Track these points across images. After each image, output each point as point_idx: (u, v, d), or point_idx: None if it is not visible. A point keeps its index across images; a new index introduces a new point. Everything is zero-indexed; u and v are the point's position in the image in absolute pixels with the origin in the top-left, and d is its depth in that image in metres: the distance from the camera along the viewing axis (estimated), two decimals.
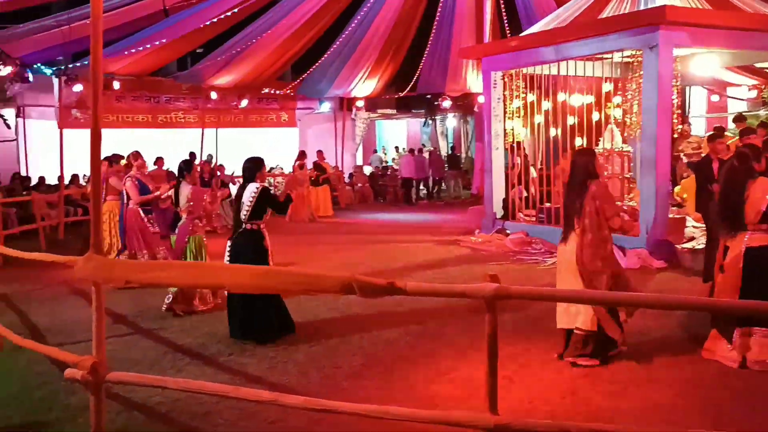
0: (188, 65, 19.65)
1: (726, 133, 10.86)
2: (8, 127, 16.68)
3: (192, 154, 16.42)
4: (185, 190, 7.22)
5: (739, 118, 11.71)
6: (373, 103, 22.74)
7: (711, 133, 9.78)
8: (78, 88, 14.89)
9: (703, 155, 8.91)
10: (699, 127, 17.15)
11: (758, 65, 13.66)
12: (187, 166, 7.38)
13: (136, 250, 8.77)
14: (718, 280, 5.43)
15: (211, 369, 5.46)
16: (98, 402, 3.79)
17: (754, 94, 15.87)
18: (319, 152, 17.93)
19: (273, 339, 6.07)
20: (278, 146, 21.23)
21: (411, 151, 21.46)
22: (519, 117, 12.23)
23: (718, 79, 15.30)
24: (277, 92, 20.54)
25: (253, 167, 6.37)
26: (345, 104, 21.42)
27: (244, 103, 20.04)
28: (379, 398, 4.68)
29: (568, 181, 5.55)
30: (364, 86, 19.85)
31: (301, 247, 11.59)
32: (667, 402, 4.57)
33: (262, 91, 20.11)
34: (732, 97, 18.09)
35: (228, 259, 6.27)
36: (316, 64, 18.66)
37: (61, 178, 14.08)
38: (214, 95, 18.89)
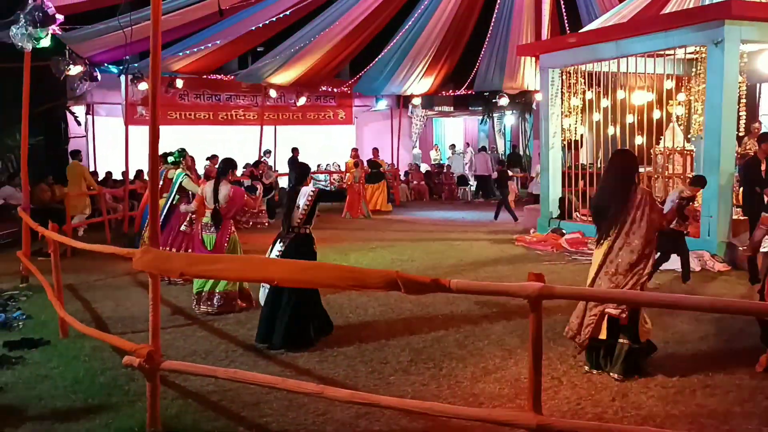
0: (248, 64, 20.03)
1: None
2: (78, 123, 17.41)
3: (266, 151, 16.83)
4: (224, 189, 7.27)
5: None
6: (429, 101, 22.73)
7: (764, 132, 9.44)
8: (143, 86, 15.40)
9: (751, 154, 8.62)
10: None
11: None
12: (227, 166, 7.46)
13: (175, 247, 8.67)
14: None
15: (263, 361, 5.59)
16: (154, 388, 3.95)
17: None
18: (375, 149, 18.18)
19: (308, 347, 5.91)
20: (335, 144, 21.48)
21: (483, 149, 22.14)
22: (577, 115, 12.02)
23: None
24: (335, 90, 20.73)
25: (305, 172, 6.46)
26: (401, 102, 21.47)
27: (302, 100, 20.33)
28: (425, 394, 4.71)
29: (606, 182, 5.39)
30: (421, 84, 19.84)
31: (354, 242, 11.69)
32: (723, 409, 4.44)
33: (320, 89, 20.35)
34: None
35: None
36: (373, 62, 18.76)
37: (126, 173, 14.59)
38: (273, 93, 19.26)
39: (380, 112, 22.61)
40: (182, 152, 8.93)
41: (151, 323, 3.98)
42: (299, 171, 6.56)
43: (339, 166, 20.18)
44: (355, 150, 17.23)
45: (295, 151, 17.33)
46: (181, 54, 15.53)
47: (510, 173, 14.60)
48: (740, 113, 9.87)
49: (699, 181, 8.08)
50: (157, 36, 3.96)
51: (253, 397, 4.68)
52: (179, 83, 17.91)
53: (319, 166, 19.80)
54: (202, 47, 15.35)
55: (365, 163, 17.03)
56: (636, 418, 4.32)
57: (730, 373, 5.06)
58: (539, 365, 3.20)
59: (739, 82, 9.69)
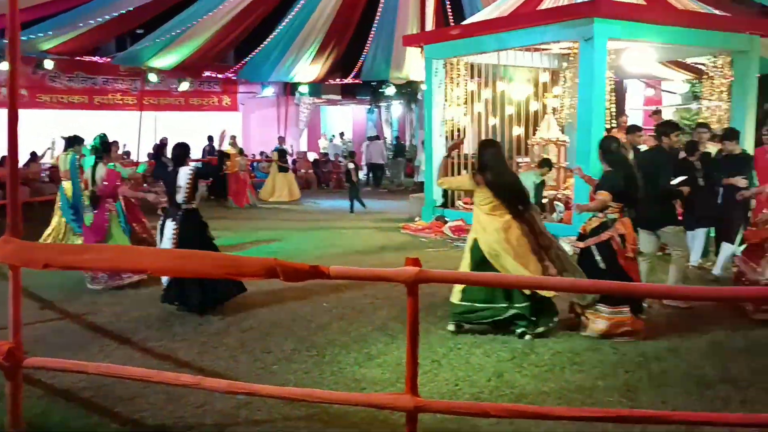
0: (127, 46, 19.11)
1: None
2: None
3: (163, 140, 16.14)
4: (100, 171, 7.47)
5: (656, 112, 12.20)
6: (317, 89, 22.62)
7: (631, 124, 10.15)
8: (4, 66, 14.33)
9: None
10: (636, 120, 17.63)
11: (689, 60, 14.12)
12: (104, 147, 7.64)
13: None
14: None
15: (139, 354, 5.38)
16: (15, 387, 3.70)
17: (686, 88, 16.40)
18: (281, 138, 18.41)
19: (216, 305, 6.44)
20: (220, 131, 20.93)
21: (376, 137, 22.37)
22: (459, 105, 12.35)
23: (652, 74, 15.76)
24: (219, 76, 20.20)
25: (184, 153, 6.70)
26: (288, 89, 21.24)
27: (185, 85, 19.66)
28: (308, 382, 4.71)
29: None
30: (308, 71, 19.71)
31: (239, 233, 11.47)
32: (589, 384, 4.72)
33: (203, 74, 19.76)
34: (666, 91, 18.68)
35: (174, 238, 6.45)
36: (259, 47, 18.42)
37: None
38: (153, 77, 18.47)
39: (267, 99, 22.25)
40: (104, 138, 8.16)
41: (12, 318, 3.72)
42: (179, 152, 6.73)
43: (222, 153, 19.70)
44: (233, 137, 16.82)
45: (163, 140, 16.46)
46: (51, 33, 14.58)
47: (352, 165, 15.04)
48: (609, 107, 10.53)
49: (546, 163, 8.70)
50: (14, 10, 3.69)
51: (129, 391, 4.50)
52: (49, 64, 16.81)
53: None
54: (76, 26, 14.48)
55: (275, 152, 16.90)
56: (510, 396, 4.51)
57: (595, 350, 5.38)
58: (416, 349, 3.27)
59: (608, 78, 10.30)
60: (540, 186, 8.23)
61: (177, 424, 4.11)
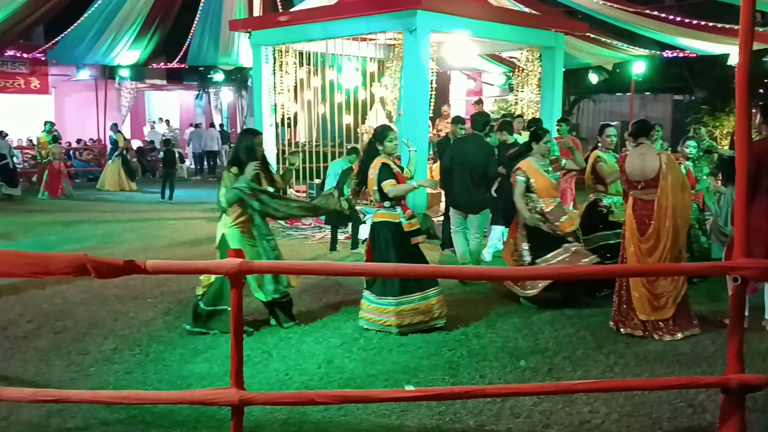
0: None
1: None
2: None
3: None
4: None
5: (478, 102, 12.98)
6: (140, 73, 21.35)
7: (456, 115, 10.66)
8: None
9: (443, 135, 9.70)
10: (459, 110, 18.56)
11: (505, 54, 15.08)
12: None
13: None
14: None
15: None
16: None
17: (504, 80, 17.50)
18: (114, 125, 17.14)
19: None
20: (30, 115, 19.17)
21: (212, 125, 21.99)
22: (290, 92, 12.27)
23: (473, 66, 16.65)
24: (25, 55, 18.43)
25: None
26: (108, 72, 19.89)
27: None
28: (130, 382, 4.47)
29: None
30: (130, 54, 18.55)
31: (52, 227, 10.62)
32: (414, 364, 4.90)
33: (5, 53, 17.94)
34: (486, 83, 19.85)
35: None
36: (72, 26, 17.00)
37: None
38: None
39: (84, 82, 20.67)
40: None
41: None
42: None
43: (32, 141, 18.10)
44: (51, 124, 15.55)
45: None
46: None
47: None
48: (432, 97, 10.98)
49: (354, 151, 9.10)
50: None
51: None
52: None
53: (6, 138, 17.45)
54: None
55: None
56: (339, 381, 4.57)
57: (422, 330, 5.60)
58: (240, 341, 3.21)
59: (431, 69, 10.72)
60: (347, 172, 8.56)
61: None
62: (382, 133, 5.72)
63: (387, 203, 5.62)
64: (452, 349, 5.19)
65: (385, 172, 5.57)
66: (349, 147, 10.19)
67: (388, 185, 5.53)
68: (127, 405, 3.66)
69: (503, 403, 4.12)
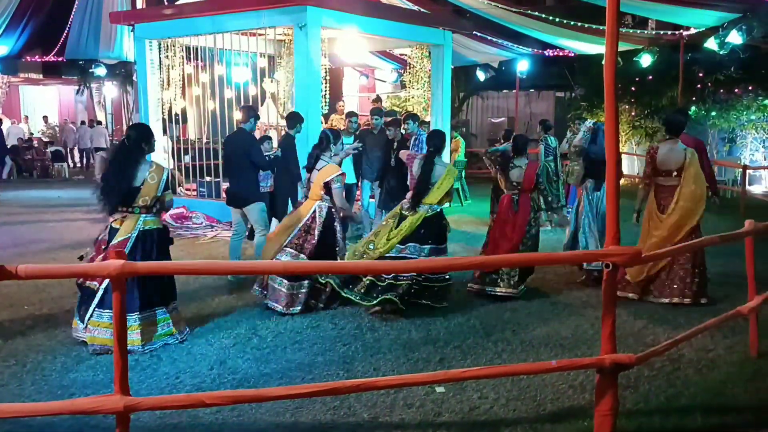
0: None
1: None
2: None
3: None
4: None
5: (377, 99, 13.14)
6: (13, 66, 20.02)
7: (350, 110, 10.77)
8: None
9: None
10: (352, 105, 18.64)
11: (396, 51, 15.29)
12: None
13: None
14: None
15: None
16: None
17: (396, 77, 17.73)
18: None
19: None
20: None
21: (99, 122, 21.48)
22: (177, 88, 11.89)
23: (365, 62, 16.77)
24: None
25: None
26: None
27: None
28: (4, 395, 4.20)
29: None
30: None
31: None
32: (308, 361, 4.90)
33: None
34: (378, 79, 20.03)
35: None
36: None
37: None
38: None
39: None
40: None
41: None
42: None
43: None
44: None
45: None
46: None
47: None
48: (325, 93, 10.96)
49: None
50: None
51: None
52: None
53: None
54: None
55: None
56: (232, 382, 4.50)
57: (315, 327, 5.60)
58: (124, 345, 3.09)
59: (323, 65, 10.69)
60: None
61: None
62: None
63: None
64: (346, 344, 5.22)
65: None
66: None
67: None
68: (1, 419, 3.44)
69: (396, 394, 4.20)
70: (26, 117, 23.14)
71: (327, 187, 6.11)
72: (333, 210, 6.20)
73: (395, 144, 8.91)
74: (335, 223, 6.21)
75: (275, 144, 9.00)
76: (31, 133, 21.97)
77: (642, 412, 4.07)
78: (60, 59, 18.47)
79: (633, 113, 16.88)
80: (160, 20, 11.47)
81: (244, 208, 7.19)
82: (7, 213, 12.03)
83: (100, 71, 18.63)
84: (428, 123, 11.37)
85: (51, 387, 4.38)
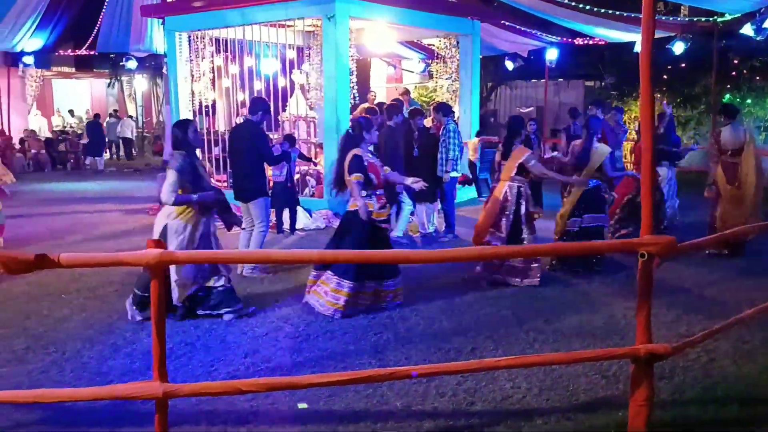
0: None
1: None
2: None
3: None
4: None
5: (405, 92, 13.07)
6: (46, 60, 20.35)
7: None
8: None
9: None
10: (381, 97, 18.62)
11: (424, 42, 15.22)
12: None
13: None
14: None
15: None
16: None
17: (423, 67, 17.67)
18: None
19: None
20: None
21: (117, 113, 21.86)
22: (207, 80, 12.00)
23: (393, 53, 16.72)
24: None
25: None
26: (10, 59, 18.84)
27: None
28: (45, 382, 4.30)
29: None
30: (33, 40, 17.64)
31: None
32: (341, 350, 4.94)
33: None
34: (405, 70, 19.98)
35: None
36: None
37: None
38: None
39: None
40: None
41: None
42: None
43: None
44: None
45: None
46: None
47: None
48: (353, 84, 10.97)
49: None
50: None
51: None
52: None
53: None
54: None
55: None
56: (266, 370, 4.55)
57: (346, 316, 5.63)
58: (163, 332, 3.15)
59: (351, 56, 10.70)
60: None
61: None
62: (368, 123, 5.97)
63: (363, 192, 5.75)
64: (378, 334, 5.25)
65: (356, 164, 5.73)
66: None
67: (354, 179, 5.71)
68: (44, 405, 3.54)
69: (429, 383, 4.21)
70: (58, 110, 23.50)
71: (521, 168, 6.58)
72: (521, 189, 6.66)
73: (415, 135, 8.69)
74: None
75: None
76: (64, 127, 22.36)
77: (678, 403, 4.03)
78: (92, 53, 18.73)
79: (665, 101, 16.60)
80: (190, 13, 11.57)
81: (248, 203, 6.97)
82: (44, 205, 12.27)
83: (131, 64, 18.84)
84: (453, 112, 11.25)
85: (90, 374, 4.47)
